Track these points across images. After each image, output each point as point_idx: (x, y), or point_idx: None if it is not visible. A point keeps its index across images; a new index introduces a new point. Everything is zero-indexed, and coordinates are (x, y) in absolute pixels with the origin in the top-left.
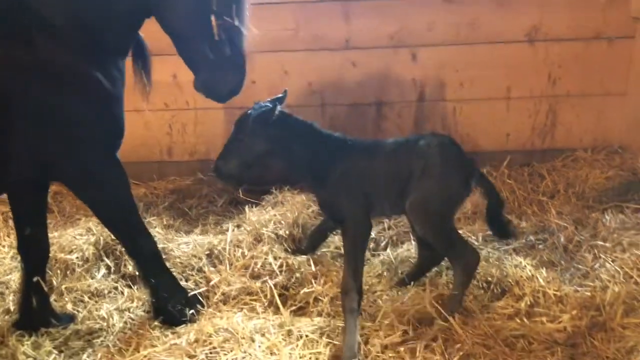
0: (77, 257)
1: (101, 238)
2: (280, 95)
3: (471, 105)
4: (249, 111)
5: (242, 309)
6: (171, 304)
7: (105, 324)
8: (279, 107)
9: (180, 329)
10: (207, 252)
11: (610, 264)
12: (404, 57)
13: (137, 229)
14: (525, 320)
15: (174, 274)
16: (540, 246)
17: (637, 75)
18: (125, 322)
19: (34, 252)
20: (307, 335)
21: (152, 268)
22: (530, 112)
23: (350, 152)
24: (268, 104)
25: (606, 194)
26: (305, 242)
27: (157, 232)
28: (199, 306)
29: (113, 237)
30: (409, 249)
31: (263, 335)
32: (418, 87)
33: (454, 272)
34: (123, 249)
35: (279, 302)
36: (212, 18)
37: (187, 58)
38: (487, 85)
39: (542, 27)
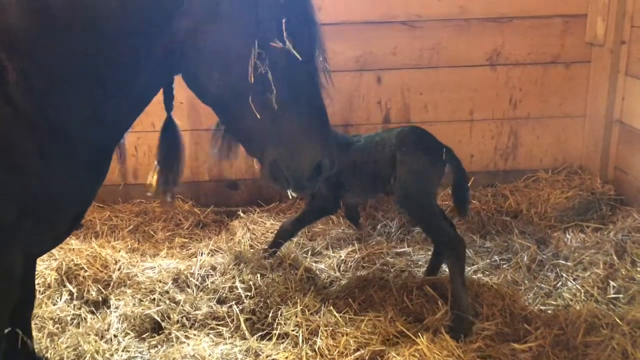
0: (38, 283)
1: (63, 263)
2: None
3: (435, 127)
4: None
5: (208, 334)
6: None
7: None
8: None
9: (146, 355)
10: (175, 277)
11: (572, 282)
12: (369, 80)
13: None
14: (494, 340)
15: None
16: (505, 266)
17: (594, 99)
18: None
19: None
20: None
21: None
22: (493, 134)
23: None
24: None
25: (567, 214)
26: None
27: (121, 256)
28: None
29: (76, 262)
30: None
31: None
32: (383, 109)
33: (447, 263)
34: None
35: (244, 327)
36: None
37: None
38: (451, 108)
39: (503, 52)
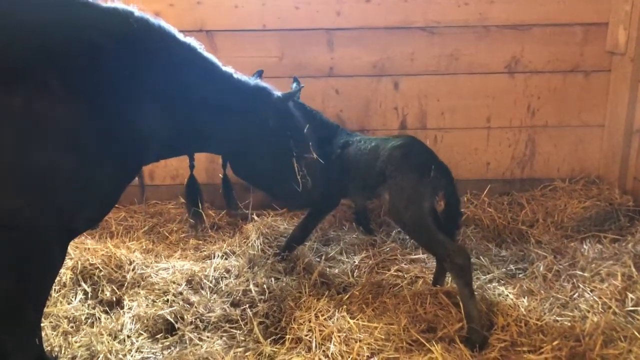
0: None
1: (79, 263)
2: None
3: (452, 134)
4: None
5: (222, 336)
6: None
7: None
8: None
9: (159, 356)
10: (189, 279)
11: (589, 293)
12: (386, 85)
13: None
14: (509, 350)
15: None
16: (520, 275)
17: (614, 108)
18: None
19: None
20: None
21: None
22: (510, 141)
23: (337, 140)
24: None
25: (584, 224)
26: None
27: (135, 256)
28: None
29: (91, 262)
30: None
31: None
32: (400, 115)
33: (451, 277)
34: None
35: (258, 331)
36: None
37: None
38: (468, 115)
39: (521, 59)
